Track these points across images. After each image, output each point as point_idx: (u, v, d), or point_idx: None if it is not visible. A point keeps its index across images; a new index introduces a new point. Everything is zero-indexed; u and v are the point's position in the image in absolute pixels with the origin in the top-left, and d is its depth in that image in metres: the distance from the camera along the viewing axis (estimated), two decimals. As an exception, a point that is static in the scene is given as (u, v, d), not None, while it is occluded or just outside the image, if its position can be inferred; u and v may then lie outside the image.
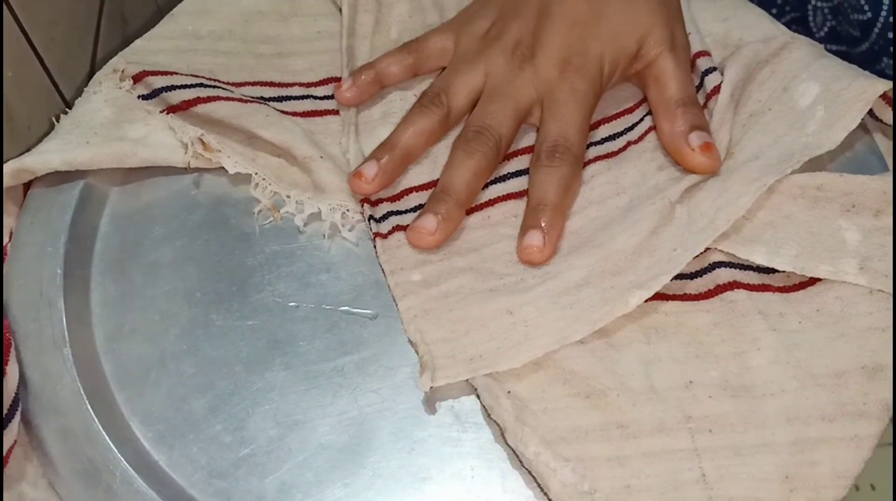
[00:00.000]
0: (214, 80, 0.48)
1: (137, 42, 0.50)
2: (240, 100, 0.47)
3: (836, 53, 0.48)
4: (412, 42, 0.49)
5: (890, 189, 0.41)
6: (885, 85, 0.43)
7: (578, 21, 0.45)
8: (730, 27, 0.49)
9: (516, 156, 0.46)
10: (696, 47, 0.47)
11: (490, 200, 0.45)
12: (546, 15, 0.46)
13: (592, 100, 0.45)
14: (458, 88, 0.46)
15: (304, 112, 0.48)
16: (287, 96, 0.49)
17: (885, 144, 0.46)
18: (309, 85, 0.50)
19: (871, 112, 0.44)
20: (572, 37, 0.45)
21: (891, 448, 0.46)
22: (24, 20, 0.44)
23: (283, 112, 0.48)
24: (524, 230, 0.42)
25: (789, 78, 0.45)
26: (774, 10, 0.57)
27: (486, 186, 0.45)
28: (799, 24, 0.56)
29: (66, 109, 0.47)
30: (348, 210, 0.44)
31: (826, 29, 0.55)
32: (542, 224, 0.42)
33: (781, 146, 0.43)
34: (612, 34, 0.45)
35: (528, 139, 0.47)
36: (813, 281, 0.41)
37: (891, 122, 0.44)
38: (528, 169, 0.45)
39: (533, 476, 0.37)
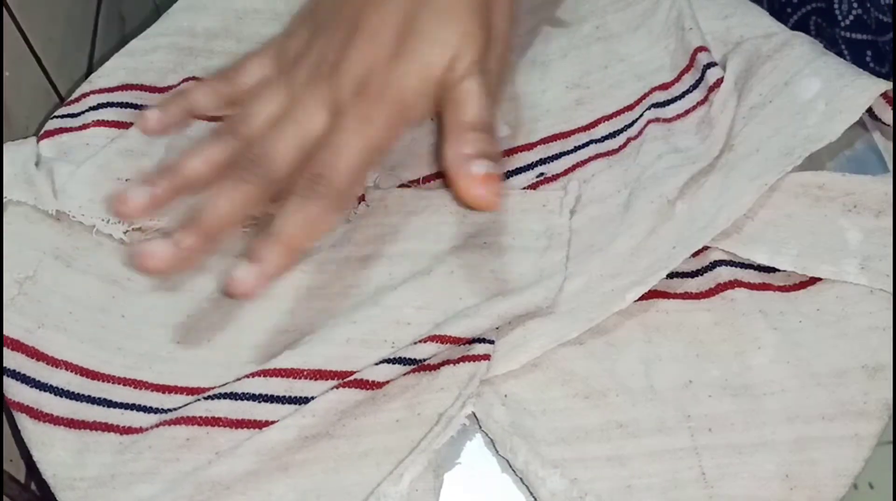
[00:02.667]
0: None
1: (133, 42, 0.50)
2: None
3: (861, 43, 0.48)
4: (230, 69, 0.44)
5: (891, 190, 0.42)
6: (886, 85, 0.43)
7: (383, 39, 0.40)
8: (730, 25, 0.49)
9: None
10: (696, 43, 0.48)
11: None
12: (354, 28, 0.41)
13: (383, 133, 0.40)
14: (257, 115, 0.41)
15: None
16: None
17: (884, 144, 0.46)
18: None
19: (871, 112, 0.44)
20: (376, 56, 0.40)
21: (890, 447, 0.46)
22: (21, 20, 0.44)
23: None
24: (246, 256, 0.38)
25: (791, 73, 0.45)
26: (796, 0, 0.57)
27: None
28: (822, 15, 0.56)
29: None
30: None
31: (852, 17, 0.55)
32: (264, 258, 0.38)
33: (782, 138, 0.43)
34: (418, 57, 0.40)
35: None
36: (814, 281, 0.42)
37: (890, 122, 0.45)
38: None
39: (525, 485, 0.37)
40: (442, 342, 0.39)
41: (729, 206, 0.42)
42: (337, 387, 0.38)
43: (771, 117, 0.44)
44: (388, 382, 0.38)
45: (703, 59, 0.47)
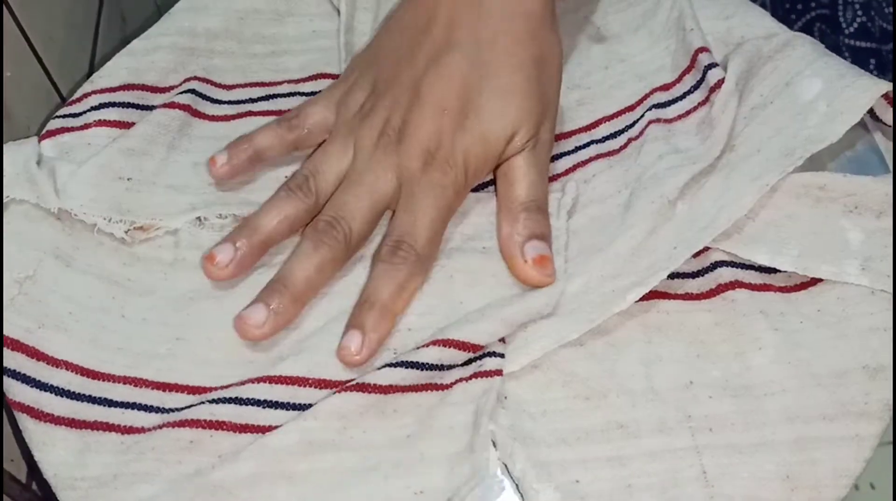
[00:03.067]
0: (207, 80, 0.50)
1: (134, 43, 0.50)
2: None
3: (865, 51, 0.48)
4: (293, 116, 0.46)
5: (892, 191, 0.42)
6: (887, 85, 0.43)
7: (449, 109, 0.43)
8: (731, 25, 0.50)
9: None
10: (697, 44, 0.48)
11: None
12: (417, 96, 0.43)
13: (452, 197, 0.43)
14: (326, 172, 0.44)
15: (288, 110, 0.49)
16: (274, 94, 0.50)
17: (885, 145, 0.46)
18: (298, 81, 0.51)
19: (872, 113, 0.45)
20: (441, 126, 0.43)
21: (891, 447, 0.46)
22: (22, 20, 0.45)
23: (268, 111, 0.49)
24: (347, 328, 0.40)
25: (792, 74, 0.46)
26: (800, 6, 0.57)
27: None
28: (826, 22, 0.57)
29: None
30: None
31: (856, 25, 0.55)
32: (365, 325, 0.39)
33: (783, 139, 0.44)
34: (482, 132, 0.43)
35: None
36: (814, 281, 0.42)
37: (891, 122, 0.45)
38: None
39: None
40: (445, 346, 0.39)
41: (730, 206, 0.42)
42: (338, 391, 0.38)
43: (772, 118, 0.45)
44: (390, 386, 0.38)
45: (704, 59, 0.47)
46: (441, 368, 0.39)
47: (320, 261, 0.41)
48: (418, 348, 0.39)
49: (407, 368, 0.38)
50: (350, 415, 0.38)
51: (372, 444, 0.37)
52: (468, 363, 0.39)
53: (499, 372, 0.39)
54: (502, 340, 0.40)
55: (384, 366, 0.38)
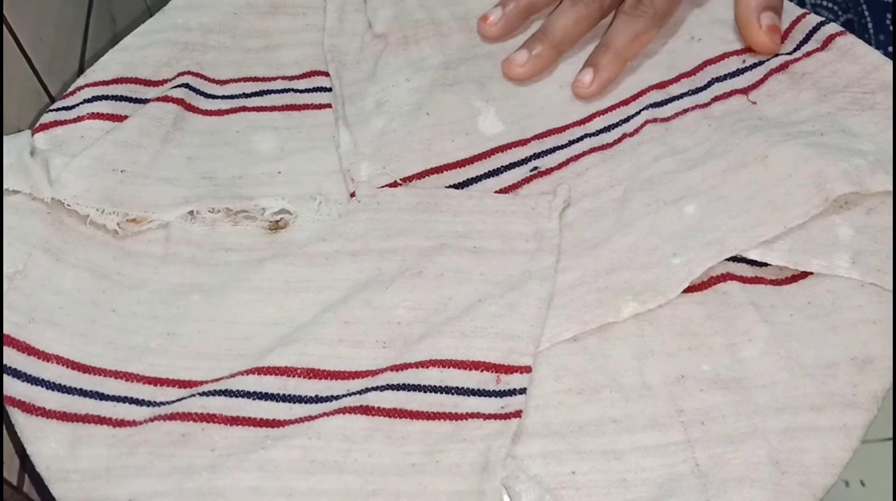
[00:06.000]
0: (201, 75, 0.51)
1: (128, 38, 0.51)
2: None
3: (882, 5, 0.49)
4: None
5: (885, 188, 0.43)
6: None
7: None
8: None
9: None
10: (705, 55, 0.50)
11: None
12: None
13: None
14: None
15: (282, 106, 0.50)
16: (268, 90, 0.51)
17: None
18: (292, 78, 0.52)
19: None
20: None
21: (881, 445, 0.47)
22: (12, 20, 0.46)
23: (261, 107, 0.50)
24: (583, 66, 0.49)
25: (834, 105, 0.46)
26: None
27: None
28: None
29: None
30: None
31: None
32: (599, 64, 0.49)
33: (818, 164, 0.43)
34: None
35: None
36: (805, 274, 0.43)
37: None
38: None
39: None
40: (444, 367, 0.40)
41: (744, 232, 0.42)
42: (342, 412, 0.39)
43: (811, 142, 0.44)
44: (394, 409, 0.39)
45: (711, 71, 0.49)
46: (447, 391, 0.40)
47: (577, 16, 0.50)
48: (417, 368, 0.40)
49: (409, 391, 0.39)
50: (354, 437, 0.39)
51: (376, 469, 0.38)
52: (490, 395, 0.40)
53: (517, 414, 0.39)
54: (528, 369, 0.40)
55: (386, 389, 0.39)
